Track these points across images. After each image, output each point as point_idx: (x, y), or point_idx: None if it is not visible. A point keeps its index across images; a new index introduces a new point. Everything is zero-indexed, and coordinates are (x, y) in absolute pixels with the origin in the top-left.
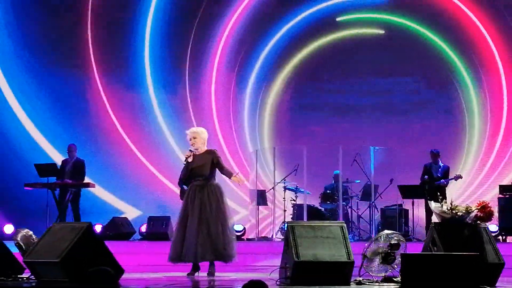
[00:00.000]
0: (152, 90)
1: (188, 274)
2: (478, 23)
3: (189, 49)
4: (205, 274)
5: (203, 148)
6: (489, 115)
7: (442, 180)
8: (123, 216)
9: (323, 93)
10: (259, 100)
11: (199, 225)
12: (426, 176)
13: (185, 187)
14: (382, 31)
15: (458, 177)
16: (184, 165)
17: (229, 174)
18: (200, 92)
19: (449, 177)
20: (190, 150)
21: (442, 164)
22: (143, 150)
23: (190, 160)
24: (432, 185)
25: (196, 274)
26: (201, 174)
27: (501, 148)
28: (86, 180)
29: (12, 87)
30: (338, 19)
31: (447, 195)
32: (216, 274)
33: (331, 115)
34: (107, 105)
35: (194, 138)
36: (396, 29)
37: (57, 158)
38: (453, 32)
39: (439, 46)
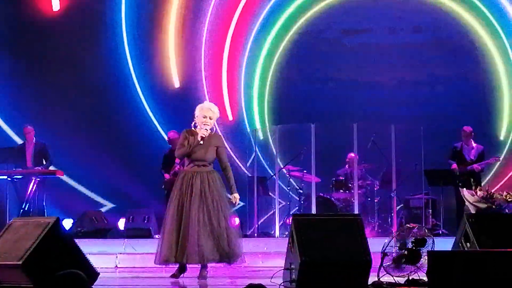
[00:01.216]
0: (129, 59)
1: (172, 276)
2: None
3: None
4: (193, 277)
5: (210, 130)
6: None
7: (474, 165)
8: (97, 210)
9: (332, 60)
10: (256, 71)
11: (200, 220)
12: (453, 163)
13: (166, 175)
14: None
15: (496, 159)
16: (183, 143)
17: (229, 178)
18: (192, 69)
19: (485, 160)
20: (205, 129)
21: (475, 145)
22: (120, 134)
23: (201, 142)
24: (464, 170)
25: (181, 276)
26: (203, 159)
27: None
28: (52, 167)
29: None
30: None
31: (482, 181)
32: (210, 276)
33: (343, 88)
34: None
35: (211, 118)
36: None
37: (12, 142)
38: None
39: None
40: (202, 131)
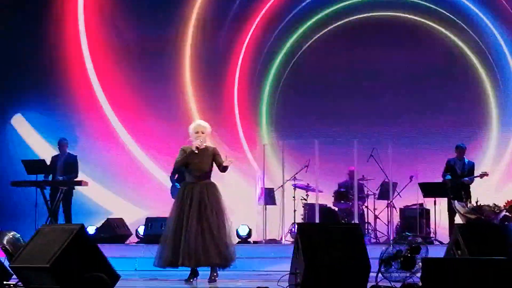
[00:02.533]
0: (151, 82)
1: (186, 281)
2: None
3: (190, 38)
4: (205, 280)
5: (206, 143)
6: None
7: (465, 178)
8: (118, 217)
9: (335, 81)
10: (265, 91)
11: (198, 226)
12: (448, 176)
13: (177, 184)
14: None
15: (483, 175)
16: (181, 156)
17: (225, 168)
18: (202, 82)
19: (474, 175)
20: (199, 140)
21: (467, 160)
22: (140, 146)
23: (196, 151)
24: (456, 182)
25: (194, 279)
26: (200, 171)
27: None
28: (79, 177)
29: None
30: None
31: (471, 193)
32: (219, 280)
33: (346, 107)
34: (102, 98)
35: (203, 132)
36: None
37: (47, 154)
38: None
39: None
40: (196, 142)
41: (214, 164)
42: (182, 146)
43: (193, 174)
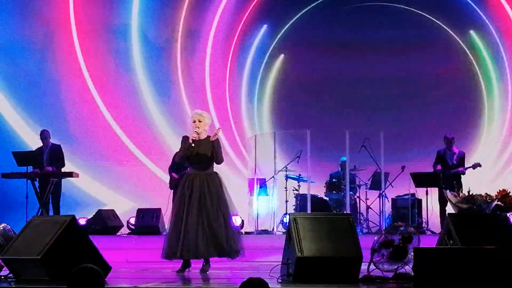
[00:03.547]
0: (142, 74)
1: (177, 271)
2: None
3: (181, 28)
4: (197, 271)
5: (205, 134)
6: (510, 95)
7: (459, 169)
8: (109, 208)
9: (328, 73)
10: (258, 81)
11: (199, 218)
12: (438, 166)
13: (174, 175)
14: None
15: (476, 166)
16: (181, 148)
17: (219, 160)
18: (194, 74)
19: (466, 165)
20: (195, 131)
21: (457, 151)
22: (131, 136)
23: (193, 144)
24: (447, 172)
25: (187, 270)
26: (200, 162)
27: None
28: (69, 168)
29: None
30: None
31: (463, 183)
32: (211, 271)
33: (338, 96)
34: (91, 87)
35: (200, 121)
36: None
37: (34, 146)
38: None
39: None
40: (192, 134)
41: None
42: (182, 136)
43: (193, 165)
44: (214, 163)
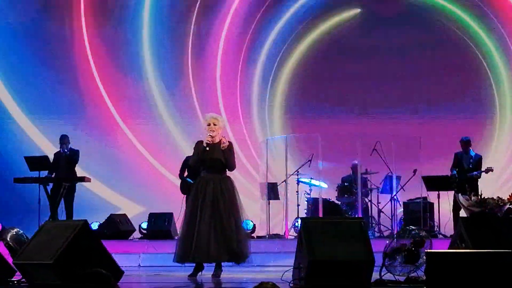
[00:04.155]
0: (153, 78)
1: (189, 276)
2: None
3: (192, 31)
4: (209, 275)
5: (218, 138)
6: None
7: (474, 172)
8: (121, 213)
9: (339, 79)
10: (268, 86)
11: (211, 222)
12: (454, 171)
13: (188, 180)
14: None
15: (489, 170)
16: (194, 152)
17: (231, 166)
18: (205, 78)
19: (481, 169)
20: (209, 135)
21: (474, 154)
22: (143, 141)
23: (207, 148)
24: (462, 176)
25: (199, 274)
26: (214, 166)
27: None
28: (81, 173)
29: None
30: None
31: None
32: (224, 275)
33: (347, 99)
34: (104, 94)
35: (214, 124)
36: (420, 7)
37: (49, 150)
38: (484, 11)
39: (467, 25)
40: (206, 138)
41: None
42: (197, 141)
43: (207, 169)
44: (226, 170)
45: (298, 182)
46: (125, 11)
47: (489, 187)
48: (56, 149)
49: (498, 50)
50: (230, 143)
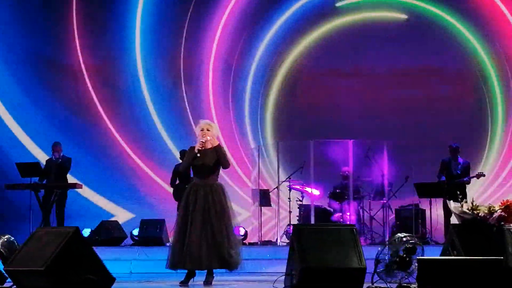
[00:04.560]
0: (145, 86)
1: (181, 283)
2: (506, 11)
3: (184, 38)
4: (201, 282)
5: (210, 144)
6: None
7: (465, 178)
8: (113, 219)
9: (328, 85)
10: (260, 92)
11: (202, 229)
12: (443, 177)
13: (179, 185)
14: (401, 16)
15: (480, 175)
16: (186, 157)
17: (225, 165)
18: (197, 85)
19: (470, 175)
20: (201, 141)
21: (462, 160)
22: (135, 148)
23: (198, 154)
24: (452, 183)
25: (191, 281)
26: (205, 172)
27: None
28: (72, 180)
29: None
30: (338, 4)
31: (467, 194)
32: (215, 282)
33: (339, 108)
34: (96, 102)
35: (208, 130)
36: (412, 13)
37: (41, 157)
38: (476, 19)
39: (458, 31)
40: (197, 144)
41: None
42: (189, 147)
43: (198, 176)
44: (218, 174)
45: (290, 189)
46: (116, 18)
47: (479, 193)
48: (47, 156)
49: (490, 59)
50: (219, 144)
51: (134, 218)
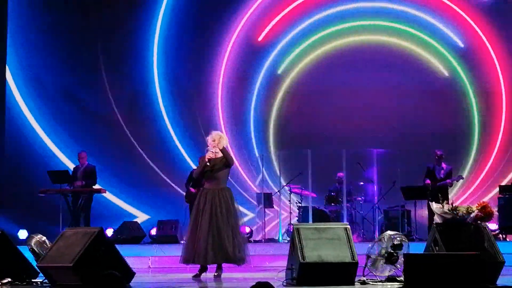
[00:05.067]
0: (160, 97)
1: (193, 276)
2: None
3: (198, 52)
4: (212, 275)
5: (219, 153)
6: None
7: (447, 180)
8: (133, 220)
9: (326, 96)
10: (264, 108)
11: (210, 229)
12: (427, 181)
13: (192, 189)
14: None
15: (460, 178)
16: (198, 166)
17: (229, 162)
18: (208, 98)
19: (452, 177)
20: (211, 151)
21: (445, 166)
22: (152, 156)
23: (208, 163)
24: (434, 186)
25: (203, 274)
26: (214, 178)
27: (500, 150)
28: (97, 186)
29: (23, 95)
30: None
31: (449, 196)
32: (224, 275)
33: (333, 119)
34: (117, 114)
35: (217, 141)
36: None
37: (71, 165)
38: (454, 44)
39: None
40: (208, 154)
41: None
42: (200, 156)
43: (208, 181)
44: (226, 180)
45: (291, 192)
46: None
47: (458, 195)
48: (74, 164)
49: (468, 76)
50: (224, 148)
51: (152, 218)
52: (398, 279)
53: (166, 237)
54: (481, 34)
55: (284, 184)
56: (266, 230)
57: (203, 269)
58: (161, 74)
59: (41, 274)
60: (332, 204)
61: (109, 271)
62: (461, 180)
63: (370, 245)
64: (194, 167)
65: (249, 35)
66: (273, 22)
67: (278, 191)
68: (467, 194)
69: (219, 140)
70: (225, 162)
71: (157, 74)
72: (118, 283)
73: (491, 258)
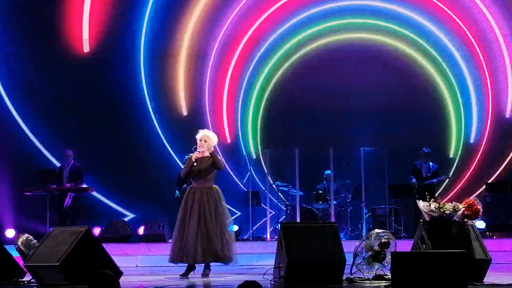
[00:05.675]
0: (147, 97)
1: (181, 275)
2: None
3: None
4: (199, 275)
5: (207, 152)
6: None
7: (433, 180)
8: (121, 219)
9: (312, 95)
10: (251, 108)
11: (198, 227)
12: (413, 179)
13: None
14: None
15: (446, 178)
16: (185, 165)
17: (219, 166)
18: (194, 94)
19: (438, 176)
20: (198, 151)
21: (431, 164)
22: (139, 155)
23: (195, 163)
24: (421, 184)
25: (192, 273)
26: (201, 177)
27: (486, 149)
28: (85, 185)
29: (8, 94)
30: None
31: (435, 194)
32: (211, 274)
33: (323, 118)
34: (104, 112)
35: (205, 141)
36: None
37: (57, 163)
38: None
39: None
40: (195, 154)
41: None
42: (186, 156)
43: (195, 180)
44: (213, 178)
45: (278, 190)
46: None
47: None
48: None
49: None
50: (213, 151)
51: (139, 218)
52: (385, 277)
53: (153, 236)
54: (469, 34)
55: (272, 183)
56: (254, 228)
57: (191, 268)
58: (148, 73)
59: (28, 274)
60: (320, 202)
61: (102, 270)
62: (447, 180)
63: (357, 243)
64: (182, 166)
65: (233, 35)
66: (259, 21)
67: (266, 189)
68: (453, 192)
69: (207, 141)
70: (213, 162)
71: (143, 73)
72: (111, 283)
73: (478, 256)
